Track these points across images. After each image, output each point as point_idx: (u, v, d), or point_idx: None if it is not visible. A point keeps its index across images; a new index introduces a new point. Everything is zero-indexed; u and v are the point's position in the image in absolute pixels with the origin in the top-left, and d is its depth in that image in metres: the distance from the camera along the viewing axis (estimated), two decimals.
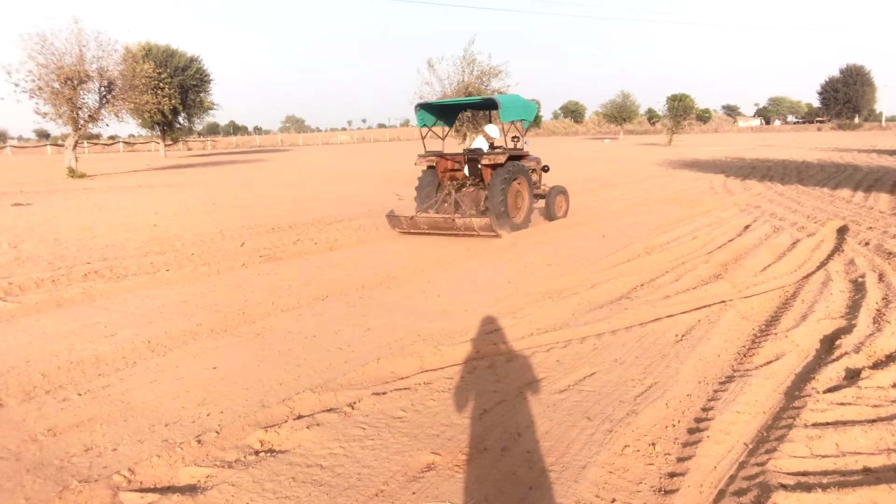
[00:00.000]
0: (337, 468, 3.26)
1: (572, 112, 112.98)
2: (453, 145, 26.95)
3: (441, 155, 11.08)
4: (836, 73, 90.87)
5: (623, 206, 13.79)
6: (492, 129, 11.59)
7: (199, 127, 54.24)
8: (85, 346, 5.29)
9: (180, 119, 47.12)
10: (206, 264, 8.39)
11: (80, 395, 4.31)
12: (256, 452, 3.44)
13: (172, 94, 39.83)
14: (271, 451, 3.46)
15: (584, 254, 8.58)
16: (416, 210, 10.97)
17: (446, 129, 12.51)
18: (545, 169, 12.17)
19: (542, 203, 12.10)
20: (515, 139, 11.44)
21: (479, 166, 10.64)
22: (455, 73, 25.80)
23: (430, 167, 11.18)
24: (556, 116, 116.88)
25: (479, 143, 11.45)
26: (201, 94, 47.25)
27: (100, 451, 3.54)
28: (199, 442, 3.55)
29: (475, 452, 3.39)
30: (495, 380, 4.40)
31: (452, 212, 10.67)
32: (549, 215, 11.82)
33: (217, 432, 3.67)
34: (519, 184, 10.72)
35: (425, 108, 11.59)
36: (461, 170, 11.02)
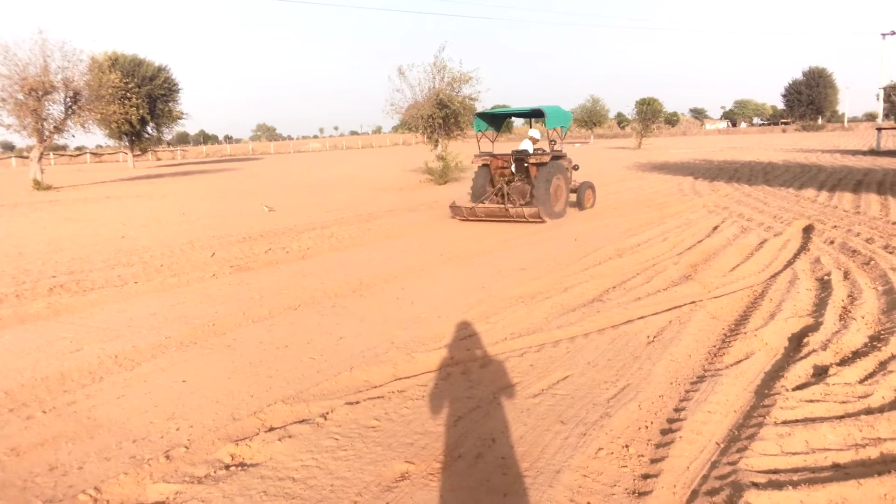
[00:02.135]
0: (309, 480, 3.22)
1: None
2: (425, 150, 26.96)
3: (493, 155, 13.08)
4: (799, 75, 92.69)
5: (594, 209, 13.88)
6: (535, 133, 13.69)
7: (168, 136, 53.47)
8: (50, 362, 5.17)
9: (149, 129, 46.37)
10: (175, 276, 8.26)
11: (44, 412, 4.21)
12: (227, 467, 3.38)
13: (140, 103, 39.23)
14: (242, 464, 3.41)
15: (557, 257, 8.62)
16: (472, 201, 12.88)
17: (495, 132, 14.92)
18: (576, 168, 14.05)
19: (573, 196, 13.91)
20: (553, 142, 13.48)
21: (526, 164, 12.62)
22: (426, 80, 25.68)
23: (484, 165, 13.12)
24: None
25: (525, 145, 13.30)
26: (170, 104, 46.56)
27: (65, 469, 3.45)
28: (167, 458, 3.48)
29: (449, 460, 3.37)
30: (469, 386, 4.38)
31: (503, 202, 12.58)
32: (580, 205, 13.73)
33: (186, 447, 3.60)
34: (559, 180, 12.57)
35: (481, 116, 13.91)
36: (509, 167, 12.88)
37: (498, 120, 14.65)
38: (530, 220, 11.84)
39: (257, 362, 5.02)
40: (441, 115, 25.07)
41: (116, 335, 5.83)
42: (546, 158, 12.40)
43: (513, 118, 15.29)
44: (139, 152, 48.93)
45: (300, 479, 3.24)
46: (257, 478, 3.25)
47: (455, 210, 12.73)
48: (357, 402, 4.14)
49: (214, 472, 3.33)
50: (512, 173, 12.89)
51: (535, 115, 14.30)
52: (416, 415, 3.96)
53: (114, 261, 9.45)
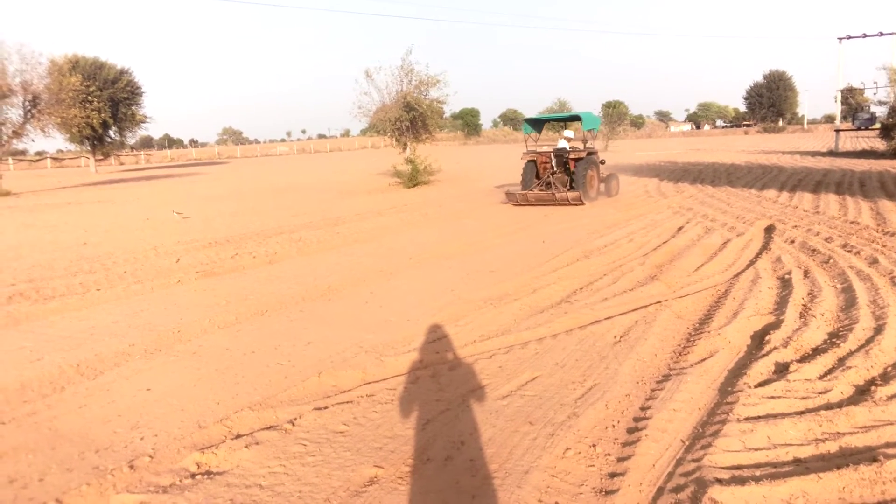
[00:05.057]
0: (277, 487, 3.19)
1: (511, 120, 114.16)
2: (394, 154, 26.91)
3: (538, 152, 15.78)
4: (760, 78, 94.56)
5: (561, 211, 14.00)
6: (569, 133, 16.50)
7: (131, 141, 52.49)
8: (9, 372, 5.03)
9: (111, 133, 45.42)
10: (139, 282, 8.12)
11: (3, 423, 4.10)
12: (192, 475, 3.33)
13: (102, 107, 38.61)
14: (208, 472, 3.36)
15: (525, 259, 8.67)
16: (523, 189, 15.49)
17: (537, 134, 17.56)
18: (602, 162, 16.42)
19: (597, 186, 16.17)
20: (585, 141, 16.03)
21: (566, 159, 15.32)
22: (393, 83, 25.65)
23: (531, 161, 15.78)
24: (495, 125, 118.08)
25: (562, 143, 15.68)
26: (133, 107, 45.69)
27: (25, 482, 3.37)
28: (131, 467, 3.42)
29: (418, 463, 3.37)
30: (438, 389, 4.38)
31: (548, 190, 15.17)
32: (608, 193, 16.22)
33: (151, 456, 3.54)
34: (592, 171, 15.33)
35: (528, 121, 17.10)
36: (551, 162, 15.49)
37: (541, 124, 17.68)
38: (573, 203, 14.47)
39: (224, 369, 4.95)
40: (409, 118, 25.06)
41: (78, 344, 5.71)
42: (583, 154, 15.11)
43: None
44: (101, 157, 47.92)
45: (267, 486, 3.20)
46: (223, 486, 3.21)
47: (510, 196, 15.39)
48: (325, 408, 4.11)
49: (180, 480, 3.28)
50: (553, 167, 15.47)
51: (572, 119, 17.48)
52: (384, 419, 3.95)
53: (75, 268, 9.25)
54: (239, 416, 4.02)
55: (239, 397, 4.38)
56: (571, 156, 15.24)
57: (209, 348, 5.49)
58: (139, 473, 3.37)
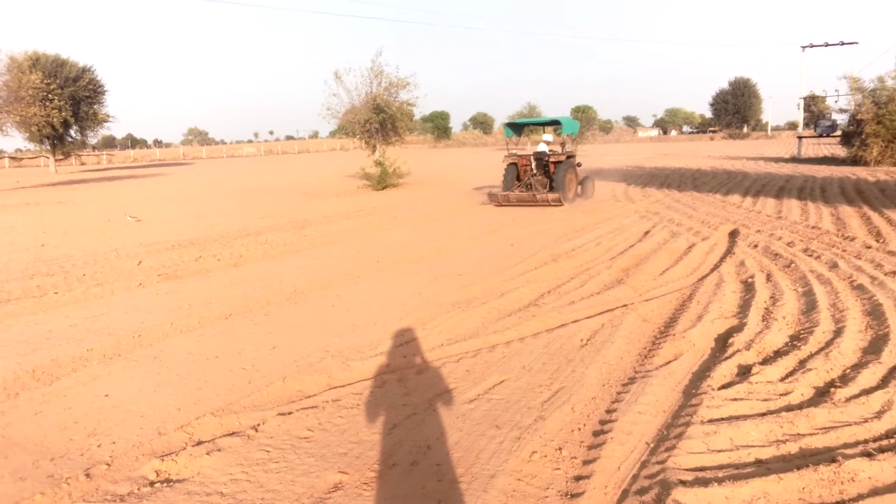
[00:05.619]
0: (239, 495, 3.12)
1: (481, 123, 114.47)
2: (363, 156, 26.79)
3: (519, 155, 16.44)
4: (725, 85, 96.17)
5: (530, 214, 14.06)
6: (548, 137, 17.21)
7: (93, 140, 51.23)
8: None
9: (72, 132, 44.31)
10: (98, 285, 7.92)
11: None
12: (151, 483, 3.25)
13: (63, 105, 37.82)
14: (168, 480, 3.28)
15: (494, 262, 8.68)
16: (504, 191, 15.95)
17: (517, 138, 18.02)
18: (579, 165, 16.95)
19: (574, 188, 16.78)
20: (563, 145, 17.07)
21: (545, 162, 15.93)
22: (363, 85, 25.57)
23: (512, 164, 16.28)
24: (465, 128, 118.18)
25: (541, 147, 16.34)
26: (95, 106, 44.56)
27: None
28: (87, 476, 3.32)
29: (384, 468, 3.33)
30: (405, 393, 4.35)
31: (528, 191, 15.70)
32: (585, 195, 16.68)
33: (108, 464, 3.45)
34: (571, 174, 15.84)
35: (509, 125, 17.70)
36: (531, 165, 16.03)
37: (520, 128, 18.08)
38: (552, 203, 15.05)
39: (185, 374, 4.85)
40: (378, 120, 24.98)
41: (34, 348, 5.55)
42: (562, 158, 15.86)
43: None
44: (62, 157, 46.76)
45: (229, 493, 3.14)
46: (183, 494, 3.14)
47: (492, 197, 15.94)
48: (290, 413, 4.05)
49: (138, 489, 3.19)
50: (533, 170, 16.02)
51: (552, 123, 17.74)
52: (350, 424, 3.90)
53: (32, 270, 9.00)
54: (200, 423, 3.94)
55: (201, 403, 4.29)
56: (551, 159, 15.88)
57: (170, 353, 5.37)
58: (96, 482, 3.28)
